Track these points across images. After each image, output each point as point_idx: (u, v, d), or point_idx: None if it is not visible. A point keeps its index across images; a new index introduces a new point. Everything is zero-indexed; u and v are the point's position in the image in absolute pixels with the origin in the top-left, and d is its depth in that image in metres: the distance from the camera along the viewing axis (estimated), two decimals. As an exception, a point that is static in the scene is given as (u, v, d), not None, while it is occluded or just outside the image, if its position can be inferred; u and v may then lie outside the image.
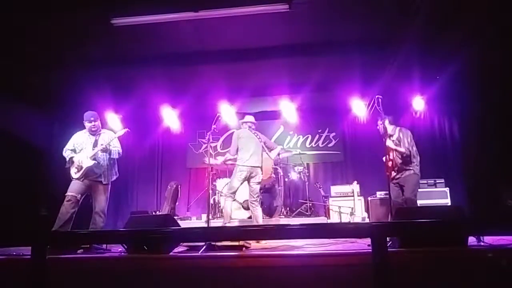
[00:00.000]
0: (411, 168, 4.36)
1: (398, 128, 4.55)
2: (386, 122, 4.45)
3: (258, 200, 4.64)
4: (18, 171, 5.64)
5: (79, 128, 4.31)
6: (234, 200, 4.69)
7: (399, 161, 4.38)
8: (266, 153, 4.82)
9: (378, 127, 4.54)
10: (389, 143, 4.36)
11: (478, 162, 6.01)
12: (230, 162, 5.39)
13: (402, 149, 4.36)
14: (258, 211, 4.55)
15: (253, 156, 4.56)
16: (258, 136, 4.75)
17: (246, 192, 4.81)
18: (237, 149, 4.64)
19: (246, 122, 4.88)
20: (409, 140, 4.43)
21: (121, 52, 5.30)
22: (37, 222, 5.54)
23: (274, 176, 6.01)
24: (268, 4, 4.18)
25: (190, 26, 4.56)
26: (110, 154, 4.18)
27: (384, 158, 4.43)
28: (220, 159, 5.57)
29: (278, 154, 5.78)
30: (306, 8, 4.17)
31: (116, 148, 4.23)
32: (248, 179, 4.55)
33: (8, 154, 5.52)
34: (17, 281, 2.26)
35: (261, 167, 4.65)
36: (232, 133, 7.31)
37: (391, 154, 4.36)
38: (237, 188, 4.56)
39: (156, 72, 5.80)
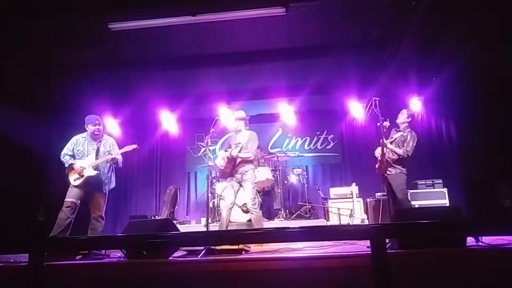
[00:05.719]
0: (399, 167, 4.43)
1: (408, 129, 4.56)
2: (405, 113, 4.58)
3: None
4: (15, 176, 5.60)
5: (77, 133, 4.24)
6: None
7: (393, 157, 4.45)
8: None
9: (383, 123, 4.24)
10: (388, 144, 4.38)
11: (475, 162, 6.03)
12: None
13: (400, 151, 4.42)
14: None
15: None
16: None
17: (245, 195, 4.79)
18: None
19: (245, 118, 4.63)
20: (414, 143, 4.45)
21: (120, 56, 5.31)
22: (34, 227, 5.50)
23: (273, 178, 6.00)
24: (266, 8, 4.20)
25: (188, 30, 4.57)
26: (117, 163, 4.14)
27: (376, 152, 4.47)
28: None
29: None
30: (303, 11, 4.19)
31: (120, 156, 4.19)
32: None
33: (5, 159, 5.49)
34: (15, 288, 2.25)
35: None
36: (230, 136, 7.40)
37: (384, 149, 4.37)
38: None
39: (154, 76, 5.80)
